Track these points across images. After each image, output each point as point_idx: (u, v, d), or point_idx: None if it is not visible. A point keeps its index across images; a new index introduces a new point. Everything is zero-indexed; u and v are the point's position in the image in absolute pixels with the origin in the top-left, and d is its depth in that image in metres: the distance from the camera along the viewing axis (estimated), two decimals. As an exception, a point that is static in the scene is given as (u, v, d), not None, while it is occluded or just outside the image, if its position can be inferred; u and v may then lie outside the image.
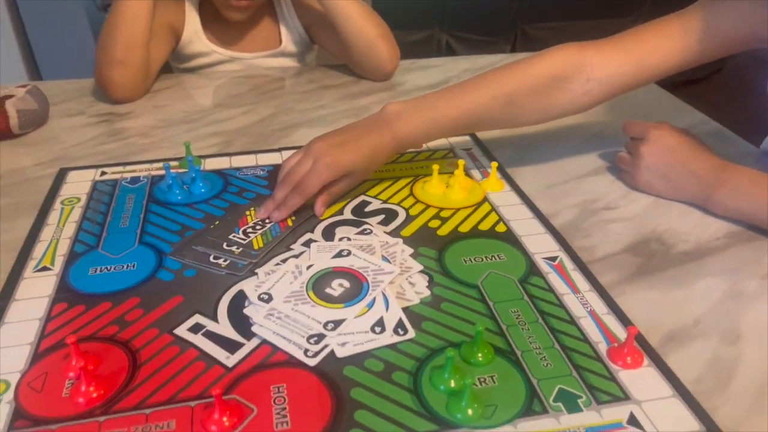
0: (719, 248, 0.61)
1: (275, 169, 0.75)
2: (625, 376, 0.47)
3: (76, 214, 0.67)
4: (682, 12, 0.69)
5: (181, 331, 0.51)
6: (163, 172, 0.73)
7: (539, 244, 0.62)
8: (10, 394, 0.45)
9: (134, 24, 0.92)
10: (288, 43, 1.12)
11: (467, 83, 0.69)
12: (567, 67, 0.68)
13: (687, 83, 0.86)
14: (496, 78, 0.69)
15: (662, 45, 0.68)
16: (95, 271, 0.58)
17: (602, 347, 0.49)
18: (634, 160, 0.70)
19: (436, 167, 0.71)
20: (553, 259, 0.60)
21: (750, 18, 0.65)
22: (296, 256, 0.59)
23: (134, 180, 0.73)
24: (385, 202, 0.69)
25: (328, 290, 0.54)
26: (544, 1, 2.49)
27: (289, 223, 0.64)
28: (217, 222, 0.65)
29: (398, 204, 0.69)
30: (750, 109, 1.09)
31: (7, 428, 0.42)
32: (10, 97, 0.82)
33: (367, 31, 0.99)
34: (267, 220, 0.65)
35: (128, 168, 0.76)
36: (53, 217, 0.66)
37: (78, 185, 0.72)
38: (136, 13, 0.92)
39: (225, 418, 0.43)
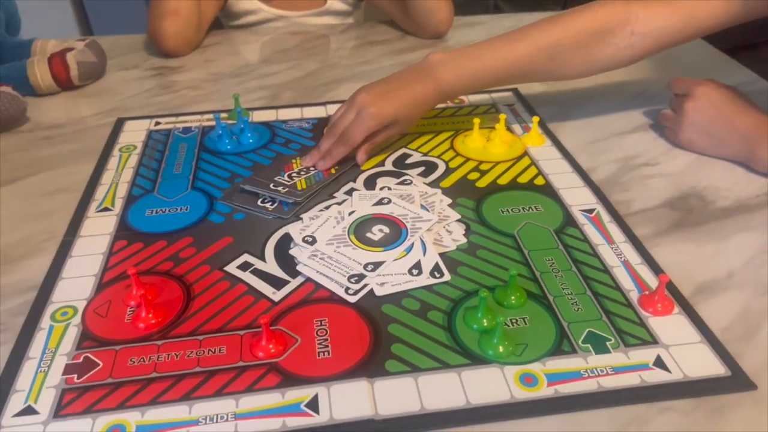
0: (760, 205, 0.61)
1: (320, 121, 0.78)
2: (654, 322, 0.48)
3: (133, 160, 0.71)
4: None
5: (231, 268, 0.54)
6: (213, 122, 0.77)
7: (577, 197, 0.63)
8: (77, 319, 0.49)
9: None
10: (334, 0, 1.13)
11: (511, 34, 0.69)
12: (611, 20, 0.67)
13: (746, 47, 0.83)
14: (539, 30, 0.69)
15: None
16: (151, 213, 0.62)
17: (633, 295, 0.51)
18: (677, 117, 0.70)
19: (477, 121, 0.72)
20: (590, 211, 0.61)
21: None
22: (339, 203, 0.62)
23: (186, 130, 0.77)
24: (425, 154, 0.71)
25: (368, 235, 0.57)
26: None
27: (333, 171, 0.67)
28: (262, 170, 0.68)
29: (438, 157, 0.70)
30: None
31: (75, 348, 0.47)
32: (71, 49, 0.86)
33: None
34: (312, 168, 0.67)
35: (181, 119, 0.79)
36: (112, 162, 0.70)
37: (134, 134, 0.76)
38: None
39: (271, 346, 0.46)
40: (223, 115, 0.79)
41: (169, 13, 0.95)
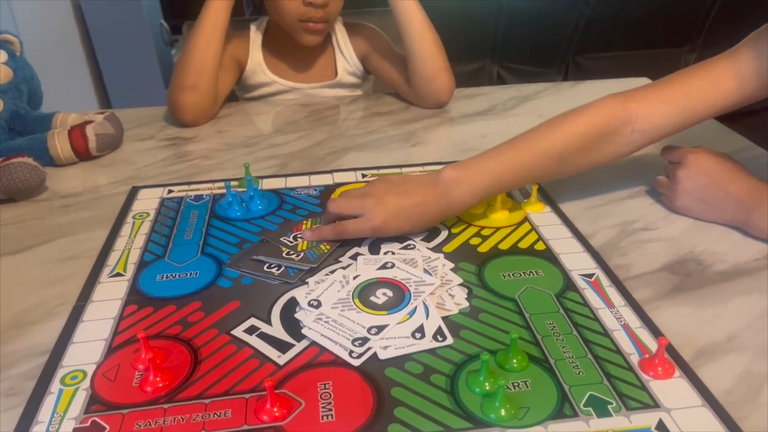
0: (758, 269, 0.62)
1: (326, 188, 0.80)
2: (655, 385, 0.48)
3: (146, 227, 0.73)
4: (730, 53, 0.70)
5: (238, 332, 0.56)
6: (224, 190, 0.79)
7: (577, 262, 0.64)
8: (86, 383, 0.50)
9: (205, 53, 1.01)
10: (344, 74, 1.18)
11: (520, 144, 0.70)
12: (612, 122, 0.70)
13: (746, 114, 0.86)
14: (546, 137, 0.70)
15: (709, 91, 0.69)
16: (162, 278, 0.63)
17: (634, 358, 0.51)
18: (671, 184, 0.72)
19: (478, 188, 0.74)
20: (590, 275, 0.62)
21: None
22: (344, 268, 0.63)
23: (198, 198, 0.79)
24: (429, 220, 0.73)
25: (372, 298, 0.58)
26: (596, 32, 2.50)
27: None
28: (270, 236, 0.70)
29: (441, 223, 0.72)
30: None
31: (83, 412, 0.48)
32: (90, 122, 0.91)
33: (435, 62, 1.05)
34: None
35: (193, 186, 0.82)
36: (126, 229, 0.73)
37: (148, 202, 0.79)
38: (207, 43, 1.01)
39: (276, 409, 0.47)
40: (234, 183, 0.82)
41: (189, 87, 1.00)
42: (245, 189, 0.79)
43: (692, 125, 0.71)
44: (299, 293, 0.59)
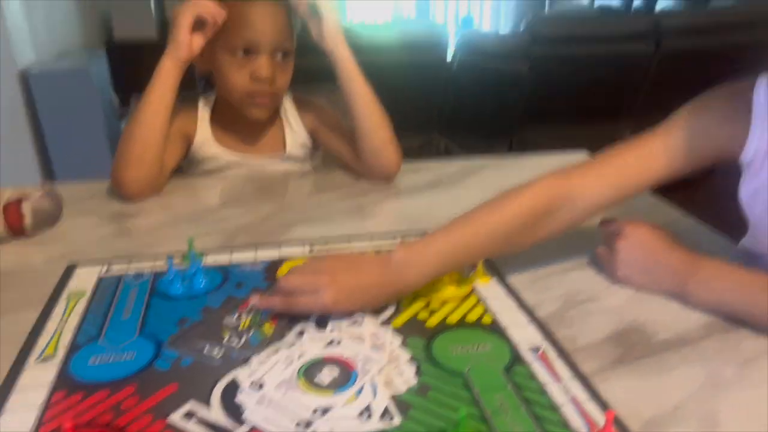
0: (699, 338, 0.63)
1: (272, 263, 0.79)
2: (605, 461, 0.48)
3: (81, 307, 0.70)
4: (661, 129, 0.75)
5: (175, 417, 0.53)
6: (166, 267, 0.77)
7: (524, 334, 0.64)
8: (4, 480, 0.46)
9: (152, 126, 1.00)
10: (293, 147, 1.19)
11: (466, 223, 0.71)
12: (554, 199, 0.73)
13: (682, 186, 0.90)
14: (491, 216, 0.72)
15: (641, 167, 0.73)
16: (95, 361, 0.60)
17: (583, 433, 0.50)
18: (611, 255, 0.74)
19: (425, 261, 0.74)
20: (537, 348, 0.62)
21: (717, 134, 0.72)
22: (289, 346, 0.62)
23: (138, 275, 0.77)
24: (376, 294, 0.72)
25: (318, 378, 0.56)
26: (540, 108, 2.63)
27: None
28: (212, 314, 0.67)
29: (389, 297, 0.72)
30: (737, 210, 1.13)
31: None
32: (27, 198, 0.88)
33: (381, 135, 1.07)
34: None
35: (133, 264, 0.80)
36: (58, 310, 0.69)
37: (84, 280, 0.76)
38: (154, 116, 1.01)
39: (212, 503, 0.44)
40: (177, 259, 0.79)
41: (134, 161, 0.99)
42: (188, 265, 0.77)
43: (629, 199, 0.75)
44: (241, 374, 0.57)
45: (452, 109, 2.68)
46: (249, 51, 1.04)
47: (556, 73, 2.48)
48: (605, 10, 4.07)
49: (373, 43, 2.41)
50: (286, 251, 0.82)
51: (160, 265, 0.79)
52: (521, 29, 2.54)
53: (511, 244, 0.73)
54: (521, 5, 5.16)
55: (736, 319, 0.65)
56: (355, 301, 0.66)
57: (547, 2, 4.87)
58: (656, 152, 0.73)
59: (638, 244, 0.71)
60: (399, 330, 0.65)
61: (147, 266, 0.79)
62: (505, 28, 5.28)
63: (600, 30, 2.48)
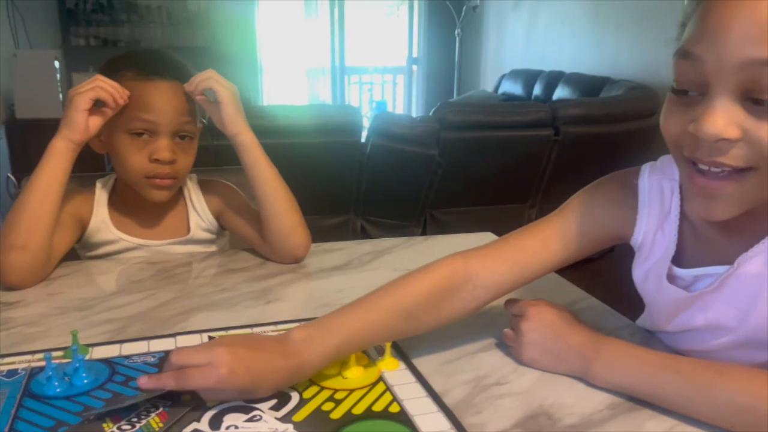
0: (602, 420, 0.63)
1: (167, 354, 0.73)
2: None
3: (-62, 412, 0.61)
4: (556, 214, 0.77)
5: None
6: (44, 363, 0.70)
7: (431, 423, 0.62)
8: None
9: (39, 211, 0.94)
10: (197, 230, 1.15)
11: (368, 302, 0.71)
12: (454, 279, 0.73)
13: (586, 262, 0.94)
14: (392, 295, 0.72)
15: (538, 251, 0.75)
16: (-54, 478, 0.52)
17: None
18: (516, 337, 0.74)
19: (330, 348, 0.71)
20: (445, 438, 0.59)
21: (608, 219, 0.75)
22: (178, 449, 0.56)
23: (11, 373, 0.69)
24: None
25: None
26: (450, 190, 2.71)
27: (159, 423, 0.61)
28: (92, 416, 0.61)
29: (293, 387, 0.68)
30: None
31: None
32: None
33: (288, 219, 1.05)
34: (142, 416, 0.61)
35: (7, 360, 0.72)
36: None
37: (-54, 380, 0.67)
38: (41, 201, 0.94)
39: None
40: (58, 353, 0.72)
41: (18, 246, 0.92)
42: (70, 360, 0.70)
43: (530, 281, 0.76)
44: (120, 485, 0.51)
45: (367, 190, 2.72)
46: (148, 132, 1.01)
47: (463, 157, 2.59)
48: (509, 98, 4.34)
49: (289, 125, 2.43)
50: (182, 341, 0.77)
51: (38, 360, 0.72)
52: (430, 114, 2.65)
53: (414, 324, 0.72)
54: (432, 91, 5.44)
55: (640, 400, 0.65)
56: (252, 374, 0.62)
57: (455, 89, 5.14)
58: (552, 236, 0.75)
59: (543, 325, 0.71)
60: (301, 425, 0.61)
61: (23, 362, 0.71)
62: (417, 112, 5.51)
63: (503, 118, 2.62)
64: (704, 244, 0.68)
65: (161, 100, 1.01)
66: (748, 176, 0.56)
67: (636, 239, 0.73)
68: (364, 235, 2.75)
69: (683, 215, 0.69)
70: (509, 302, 0.77)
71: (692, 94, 0.57)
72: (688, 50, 0.56)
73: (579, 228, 0.74)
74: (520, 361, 0.73)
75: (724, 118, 0.54)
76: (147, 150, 1.01)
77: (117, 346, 0.76)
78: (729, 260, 0.64)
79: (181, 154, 1.04)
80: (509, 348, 0.76)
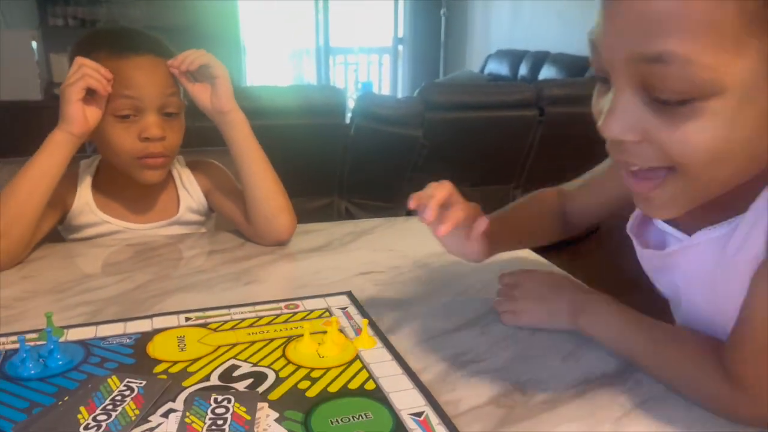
0: (576, 395, 0.63)
1: (143, 336, 0.73)
2: None
3: None
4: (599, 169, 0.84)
5: None
6: (17, 345, 0.69)
7: (406, 400, 0.62)
8: None
9: (27, 201, 0.93)
10: (185, 211, 1.13)
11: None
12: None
13: (568, 243, 0.96)
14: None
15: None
16: None
17: (463, 505, 0.48)
18: (512, 303, 0.76)
19: (307, 326, 0.71)
20: (419, 414, 0.60)
21: None
22: (152, 429, 0.56)
23: (-15, 355, 0.69)
24: (255, 365, 0.68)
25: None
26: (435, 171, 2.70)
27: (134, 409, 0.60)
28: (66, 398, 0.61)
29: (269, 366, 0.68)
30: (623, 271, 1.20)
31: None
32: None
33: (274, 202, 1.04)
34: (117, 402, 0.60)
35: (-20, 342, 0.71)
36: None
37: None
38: (31, 191, 0.93)
39: None
40: (32, 335, 0.72)
41: None
42: (44, 342, 0.69)
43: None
44: (93, 465, 0.51)
45: (351, 171, 2.71)
46: (134, 111, 0.99)
47: (448, 138, 2.58)
48: (494, 78, 4.33)
49: (272, 106, 2.41)
50: (158, 322, 0.77)
51: (12, 342, 0.71)
52: (415, 95, 2.64)
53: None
54: (418, 71, 5.41)
55: (614, 374, 0.66)
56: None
57: (441, 69, 5.12)
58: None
59: (537, 286, 0.76)
60: (276, 403, 0.61)
61: (-4, 345, 0.71)
62: (403, 92, 5.49)
63: (487, 98, 2.62)
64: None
65: (141, 75, 0.99)
66: (671, 177, 0.53)
67: None
68: (349, 217, 2.75)
69: None
70: (503, 275, 0.80)
71: (605, 85, 0.54)
72: (590, 39, 0.53)
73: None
74: (518, 326, 0.76)
75: (622, 119, 0.51)
76: (135, 130, 0.99)
77: (93, 327, 0.75)
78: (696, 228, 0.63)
79: (170, 131, 1.02)
80: (501, 316, 0.78)
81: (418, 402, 0.62)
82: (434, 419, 0.59)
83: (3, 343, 0.71)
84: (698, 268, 0.63)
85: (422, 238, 1.08)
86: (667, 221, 0.67)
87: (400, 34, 5.54)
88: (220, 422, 0.56)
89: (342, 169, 2.68)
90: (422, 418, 0.59)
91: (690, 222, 0.63)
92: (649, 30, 0.47)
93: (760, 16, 0.45)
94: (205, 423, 0.56)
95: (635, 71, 0.49)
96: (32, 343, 0.69)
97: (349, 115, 2.73)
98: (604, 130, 0.53)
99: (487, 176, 2.77)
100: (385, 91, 5.70)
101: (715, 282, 0.61)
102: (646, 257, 0.70)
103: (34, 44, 3.23)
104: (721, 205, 0.57)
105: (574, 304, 0.73)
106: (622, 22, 0.49)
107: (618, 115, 0.51)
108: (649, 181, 0.54)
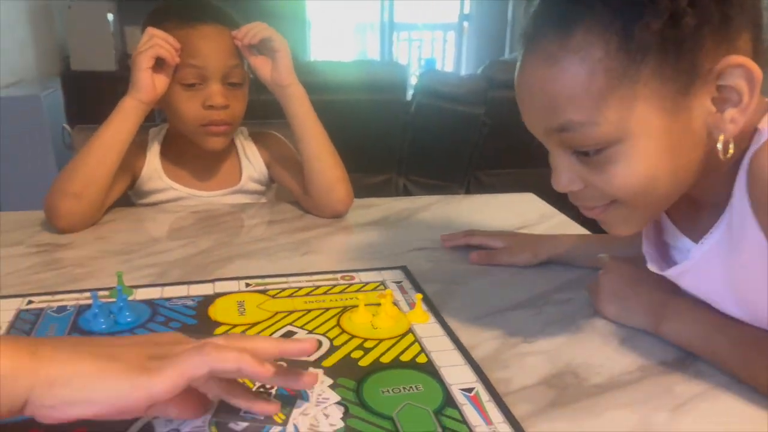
0: (631, 381, 0.62)
1: (205, 299, 0.76)
2: None
3: (-6, 342, 0.65)
4: None
5: (77, 464, 0.49)
6: (91, 301, 0.73)
7: (457, 376, 0.62)
8: None
9: (99, 166, 0.97)
10: (247, 181, 1.17)
11: None
12: None
13: None
14: None
15: None
16: (0, 401, 0.56)
17: (510, 481, 0.49)
18: (596, 288, 0.75)
19: (362, 298, 0.73)
20: (470, 390, 0.60)
21: None
22: (211, 387, 0.59)
23: (60, 309, 0.73)
24: (311, 332, 0.70)
25: (233, 424, 0.53)
26: (495, 151, 2.67)
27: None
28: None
29: (323, 334, 0.69)
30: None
31: None
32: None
33: (331, 173, 1.06)
34: None
35: (57, 297, 0.76)
36: (-32, 345, 0.65)
37: (2, 313, 0.72)
38: (103, 156, 0.98)
39: None
40: (104, 293, 0.76)
41: (72, 194, 0.95)
42: (115, 299, 0.73)
43: None
44: (157, 420, 0.54)
45: (411, 149, 2.70)
46: (199, 80, 1.02)
47: (511, 118, 2.52)
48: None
49: (334, 81, 2.43)
50: (220, 287, 0.79)
51: (86, 298, 0.75)
52: (478, 72, 2.59)
53: None
54: (483, 48, 5.30)
55: (674, 363, 0.65)
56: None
57: (507, 47, 5.01)
58: None
59: (617, 278, 0.74)
60: (330, 370, 0.63)
61: (71, 300, 0.75)
62: (467, 70, 5.40)
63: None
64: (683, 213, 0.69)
65: (206, 45, 1.02)
66: (614, 205, 0.61)
67: None
68: (406, 193, 2.75)
69: None
70: (598, 258, 0.79)
71: None
72: None
73: None
74: (601, 314, 0.74)
75: (564, 175, 0.61)
76: (199, 98, 1.03)
77: (159, 288, 0.79)
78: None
79: (233, 100, 1.05)
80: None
81: (469, 378, 0.62)
82: (484, 396, 0.59)
83: (77, 299, 0.75)
84: (713, 278, 0.63)
85: (478, 217, 1.07)
86: (675, 229, 0.69)
87: (466, 10, 5.43)
88: (268, 384, 0.58)
89: (401, 146, 2.68)
90: (473, 394, 0.60)
91: (690, 227, 0.67)
92: (550, 107, 0.57)
93: (625, 68, 0.53)
94: (254, 384, 0.58)
95: (554, 138, 0.59)
96: (104, 300, 0.73)
97: (411, 92, 2.71)
98: (554, 186, 0.62)
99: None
100: (449, 68, 5.61)
101: (736, 286, 0.62)
102: (665, 279, 0.70)
103: (110, 16, 3.34)
104: (701, 206, 0.64)
105: (653, 306, 0.70)
106: (529, 104, 0.61)
107: (560, 173, 0.61)
108: (595, 209, 0.62)
